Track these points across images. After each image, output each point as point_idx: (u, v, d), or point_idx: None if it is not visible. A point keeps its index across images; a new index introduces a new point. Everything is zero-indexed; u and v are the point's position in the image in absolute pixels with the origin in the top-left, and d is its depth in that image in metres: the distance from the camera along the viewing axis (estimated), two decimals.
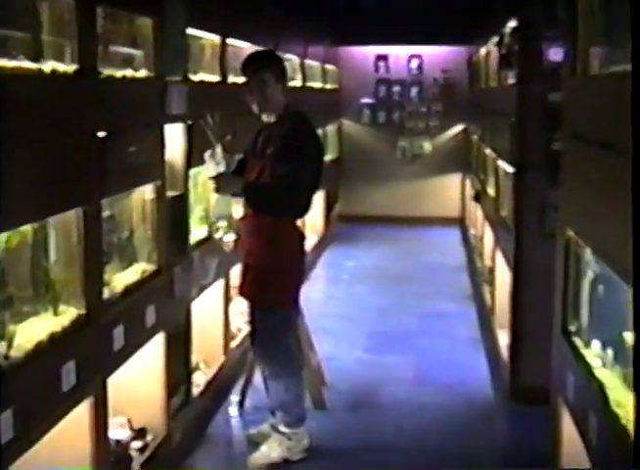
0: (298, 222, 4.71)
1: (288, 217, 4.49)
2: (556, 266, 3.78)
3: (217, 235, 4.60)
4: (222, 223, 4.55)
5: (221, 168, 4.58)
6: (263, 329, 4.58)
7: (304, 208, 4.47)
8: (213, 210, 4.58)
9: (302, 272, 4.70)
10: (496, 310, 6.64)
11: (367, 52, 12.89)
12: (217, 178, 4.47)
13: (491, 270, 7.16)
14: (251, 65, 4.52)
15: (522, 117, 5.45)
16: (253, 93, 4.45)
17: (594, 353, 3.08)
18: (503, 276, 6.21)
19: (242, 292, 4.68)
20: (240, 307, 6.48)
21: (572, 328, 3.45)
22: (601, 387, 2.80)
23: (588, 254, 3.21)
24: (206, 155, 4.56)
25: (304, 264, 4.71)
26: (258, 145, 4.57)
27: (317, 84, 10.69)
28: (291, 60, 8.84)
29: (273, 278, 4.48)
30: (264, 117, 4.54)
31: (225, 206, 4.51)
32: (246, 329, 6.27)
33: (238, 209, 4.54)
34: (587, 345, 3.18)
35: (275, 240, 4.45)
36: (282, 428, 4.69)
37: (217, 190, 4.50)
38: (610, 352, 2.94)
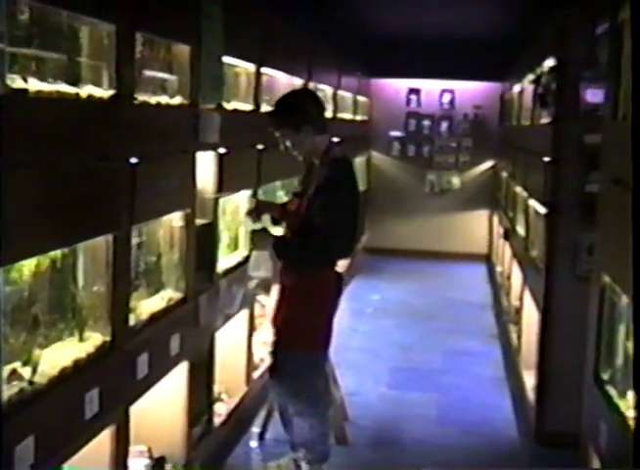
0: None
1: (324, 266, 4.44)
2: (589, 311, 3.71)
3: (251, 287, 4.60)
4: (257, 280, 4.56)
5: (257, 225, 4.61)
6: (291, 370, 4.46)
7: (343, 253, 4.42)
8: (251, 264, 4.56)
9: (334, 315, 4.60)
10: (522, 351, 6.57)
11: (399, 85, 12.92)
12: (253, 235, 4.48)
13: (518, 310, 7.09)
14: (274, 117, 4.47)
15: (556, 157, 5.39)
16: (285, 143, 4.42)
17: (630, 404, 3.00)
18: (531, 316, 6.14)
19: (275, 323, 4.60)
20: (263, 337, 6.44)
21: (606, 376, 3.38)
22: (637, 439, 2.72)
23: (625, 300, 3.14)
24: (245, 213, 4.61)
25: (337, 307, 4.63)
26: (304, 183, 4.54)
27: (348, 115, 10.68)
28: (324, 90, 8.84)
29: (306, 321, 4.38)
30: (313, 158, 4.50)
31: (262, 262, 4.47)
32: (268, 360, 6.21)
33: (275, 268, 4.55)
34: (622, 395, 3.11)
35: (311, 282, 4.38)
36: (304, 465, 4.60)
37: (254, 246, 4.50)
38: None
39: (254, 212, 4.60)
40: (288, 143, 4.39)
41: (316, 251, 4.28)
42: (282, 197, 6.59)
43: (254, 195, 5.42)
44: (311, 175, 4.47)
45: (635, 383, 2.17)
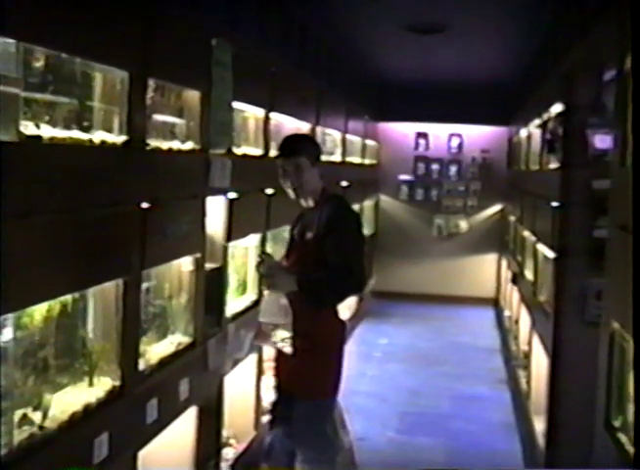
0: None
1: (333, 308, 4.42)
2: (599, 358, 3.71)
3: (274, 340, 4.39)
4: (282, 333, 4.34)
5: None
6: (302, 419, 4.39)
7: (359, 287, 4.38)
8: (264, 310, 4.36)
9: (342, 361, 4.55)
10: (532, 396, 6.54)
11: (406, 129, 13.00)
12: (272, 274, 4.26)
13: (527, 355, 7.07)
14: (285, 149, 4.39)
15: (564, 202, 5.42)
16: (289, 178, 4.30)
17: None
18: (540, 361, 6.12)
19: (278, 374, 4.55)
20: (271, 382, 6.42)
21: (617, 423, 3.36)
22: None
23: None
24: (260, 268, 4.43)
25: (344, 352, 4.58)
26: (297, 231, 4.49)
27: (356, 159, 10.74)
28: (332, 135, 8.90)
29: (314, 368, 4.34)
30: (302, 203, 4.46)
31: (278, 306, 4.30)
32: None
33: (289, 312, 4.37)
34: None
35: (317, 328, 4.34)
36: None
37: (271, 286, 4.30)
38: None
39: (262, 268, 4.45)
40: (297, 177, 4.26)
41: (337, 287, 4.23)
42: None
43: (263, 251, 5.42)
44: (309, 218, 4.43)
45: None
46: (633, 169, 2.26)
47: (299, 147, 4.36)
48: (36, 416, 2.98)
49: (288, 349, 4.24)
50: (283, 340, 4.26)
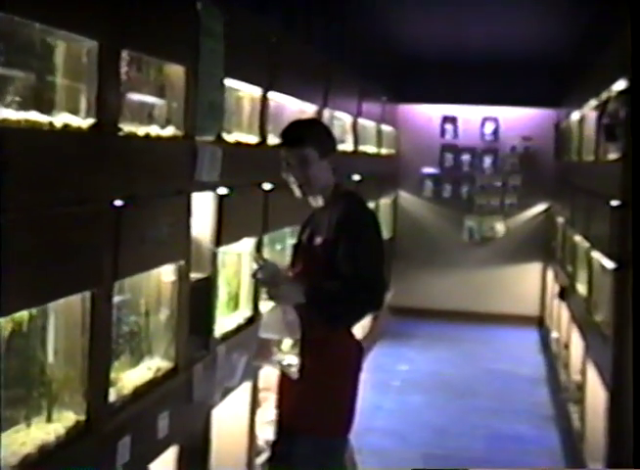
0: None
1: (346, 328, 4.37)
2: None
3: (277, 359, 4.36)
4: (287, 351, 4.31)
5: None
6: (306, 460, 4.36)
7: (377, 304, 4.33)
8: (266, 324, 4.31)
9: (357, 391, 4.52)
10: (587, 437, 6.50)
11: (431, 112, 12.99)
12: (274, 282, 4.20)
13: (580, 386, 7.03)
14: (289, 137, 4.32)
15: (627, 200, 5.37)
16: (293, 172, 4.26)
17: None
18: (596, 395, 6.08)
19: (280, 406, 4.53)
20: (268, 415, 6.41)
21: None
22: None
23: None
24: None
25: (359, 381, 4.54)
26: (306, 233, 4.46)
27: (371, 148, 10.73)
28: (341, 119, 8.88)
29: (323, 399, 4.32)
30: (311, 202, 4.41)
31: (283, 319, 4.25)
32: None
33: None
34: None
35: (327, 351, 4.31)
36: None
37: (273, 297, 4.24)
38: None
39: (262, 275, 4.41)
40: (303, 171, 4.22)
41: (352, 303, 4.19)
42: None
43: (259, 253, 5.44)
44: (318, 220, 4.40)
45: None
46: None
47: (306, 135, 4.31)
48: None
49: (294, 370, 4.21)
50: (289, 360, 4.24)
